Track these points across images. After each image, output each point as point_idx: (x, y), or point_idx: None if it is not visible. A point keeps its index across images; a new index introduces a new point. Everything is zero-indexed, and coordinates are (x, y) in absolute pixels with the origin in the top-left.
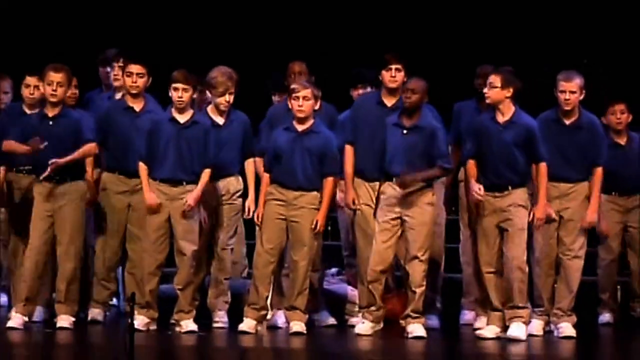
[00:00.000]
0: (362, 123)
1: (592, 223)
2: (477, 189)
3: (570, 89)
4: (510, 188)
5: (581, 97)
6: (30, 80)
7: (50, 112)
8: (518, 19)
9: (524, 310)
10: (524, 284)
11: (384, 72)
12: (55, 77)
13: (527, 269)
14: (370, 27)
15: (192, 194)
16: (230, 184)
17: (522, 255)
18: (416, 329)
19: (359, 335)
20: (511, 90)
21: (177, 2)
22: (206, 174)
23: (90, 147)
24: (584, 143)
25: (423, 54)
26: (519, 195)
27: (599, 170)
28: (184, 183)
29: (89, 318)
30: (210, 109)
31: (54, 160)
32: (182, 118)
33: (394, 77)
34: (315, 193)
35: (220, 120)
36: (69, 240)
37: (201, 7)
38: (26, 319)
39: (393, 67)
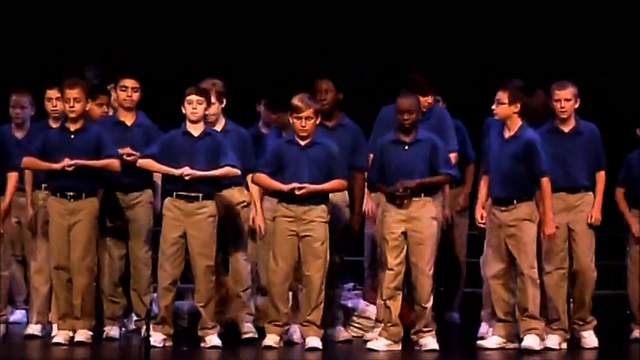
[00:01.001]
0: None
1: (598, 220)
2: (479, 216)
3: (565, 97)
4: (515, 202)
5: (576, 105)
6: (51, 93)
7: (72, 127)
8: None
9: (539, 322)
10: (537, 295)
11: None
12: (71, 93)
13: (538, 280)
14: (401, 43)
15: (198, 172)
16: (233, 194)
17: (532, 267)
18: (429, 342)
19: (370, 350)
20: (518, 105)
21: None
22: (226, 169)
23: (114, 161)
24: (586, 148)
25: (457, 68)
26: (524, 209)
27: (602, 174)
28: (200, 198)
29: (105, 335)
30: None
31: (76, 160)
32: (196, 131)
33: (430, 103)
34: (323, 206)
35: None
36: (83, 255)
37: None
38: (71, 334)
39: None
